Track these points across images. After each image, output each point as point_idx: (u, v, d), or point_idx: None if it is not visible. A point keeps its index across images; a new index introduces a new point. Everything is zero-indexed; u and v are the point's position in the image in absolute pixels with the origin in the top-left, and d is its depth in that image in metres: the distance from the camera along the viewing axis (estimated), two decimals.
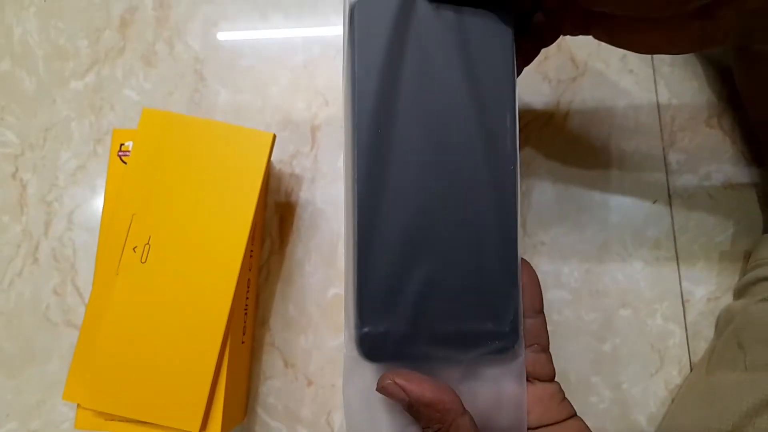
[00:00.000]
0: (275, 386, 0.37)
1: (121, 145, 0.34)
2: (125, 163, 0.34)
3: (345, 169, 0.22)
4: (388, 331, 0.21)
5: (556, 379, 0.25)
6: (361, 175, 0.21)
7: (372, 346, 0.22)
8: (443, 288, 0.22)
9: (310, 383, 0.37)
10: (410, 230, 0.21)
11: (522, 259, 0.23)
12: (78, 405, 0.32)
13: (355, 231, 0.21)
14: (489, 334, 0.22)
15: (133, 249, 0.32)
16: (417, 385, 0.20)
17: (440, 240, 0.21)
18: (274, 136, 0.32)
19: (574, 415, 0.23)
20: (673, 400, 0.35)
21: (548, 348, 0.24)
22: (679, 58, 0.38)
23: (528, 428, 0.23)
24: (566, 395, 0.25)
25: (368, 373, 0.22)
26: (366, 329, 0.21)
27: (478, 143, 0.22)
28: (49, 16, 0.41)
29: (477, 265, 0.22)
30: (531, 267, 0.23)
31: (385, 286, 0.21)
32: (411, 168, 0.21)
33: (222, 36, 0.40)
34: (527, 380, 0.23)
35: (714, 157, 0.37)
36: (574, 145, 0.38)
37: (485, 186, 0.22)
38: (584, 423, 0.24)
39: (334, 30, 0.40)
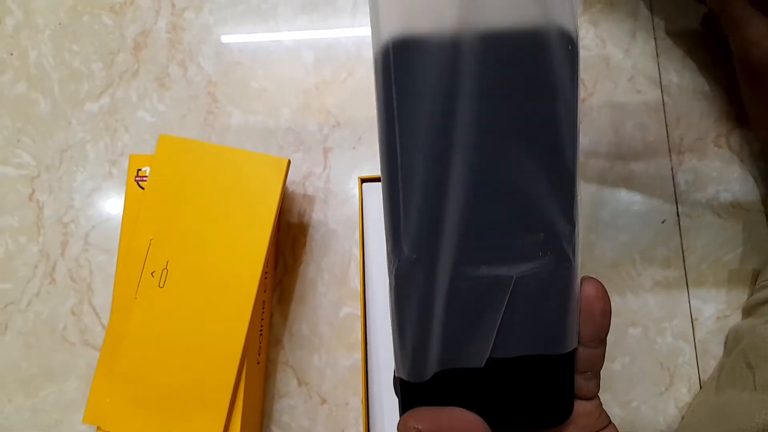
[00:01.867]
0: (289, 405, 0.37)
1: (138, 170, 0.35)
2: (142, 188, 0.34)
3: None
4: (430, 254, 0.19)
5: None
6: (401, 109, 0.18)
7: (413, 272, 0.19)
8: (491, 199, 0.19)
9: (323, 401, 0.37)
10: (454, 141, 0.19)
11: (597, 284, 0.21)
12: (98, 427, 0.33)
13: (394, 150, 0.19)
14: (541, 246, 0.20)
15: (151, 274, 0.32)
16: (443, 423, 0.20)
17: (489, 144, 0.19)
18: (289, 162, 0.33)
19: (609, 423, 0.24)
20: (682, 418, 0.35)
21: (600, 372, 0.23)
22: (687, 78, 0.39)
23: None
24: None
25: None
26: (406, 255, 0.19)
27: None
28: (63, 39, 0.42)
29: (530, 173, 0.19)
30: (606, 297, 0.22)
31: (426, 204, 0.19)
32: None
33: (234, 58, 0.41)
34: None
35: (722, 177, 0.38)
36: (583, 165, 0.38)
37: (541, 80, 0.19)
38: (617, 430, 0.24)
39: (345, 52, 0.41)
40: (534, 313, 0.20)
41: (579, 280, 0.21)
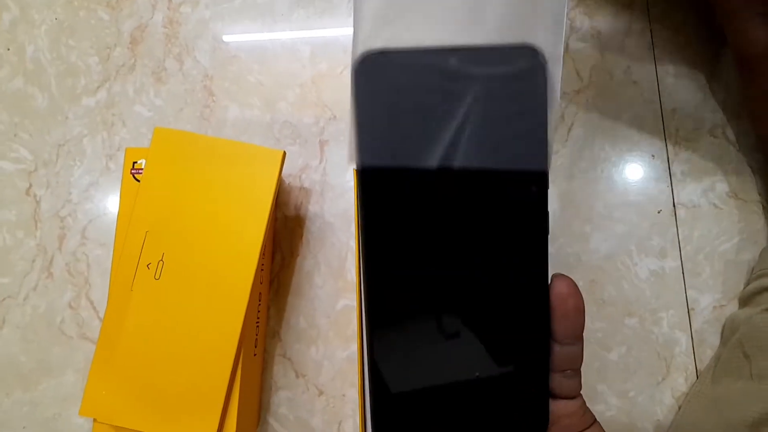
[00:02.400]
0: (287, 397, 0.37)
1: (134, 163, 0.35)
2: (138, 181, 0.34)
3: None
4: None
5: None
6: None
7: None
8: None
9: (320, 393, 0.37)
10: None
11: (568, 281, 0.22)
12: (94, 419, 0.33)
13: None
14: (516, 52, 0.20)
15: (147, 266, 0.32)
16: None
17: None
18: (284, 154, 0.33)
19: (593, 422, 0.24)
20: (679, 408, 0.35)
21: (580, 369, 0.23)
22: (683, 69, 0.39)
23: None
24: None
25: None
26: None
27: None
28: (60, 34, 0.42)
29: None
30: (578, 293, 0.22)
31: None
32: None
33: (230, 52, 0.41)
34: (553, 397, 0.23)
35: (719, 167, 0.38)
36: (579, 156, 0.38)
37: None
38: (602, 429, 0.24)
39: (341, 46, 0.41)
40: (500, 123, 0.20)
41: (557, 97, 0.20)
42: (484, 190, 0.20)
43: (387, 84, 0.20)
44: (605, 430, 0.24)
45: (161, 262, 0.32)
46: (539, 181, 0.20)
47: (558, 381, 0.22)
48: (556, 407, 0.23)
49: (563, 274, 0.22)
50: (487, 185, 0.20)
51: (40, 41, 0.42)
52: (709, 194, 0.37)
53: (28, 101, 0.41)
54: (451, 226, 0.20)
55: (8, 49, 0.42)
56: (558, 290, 0.21)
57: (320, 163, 0.39)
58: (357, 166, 0.20)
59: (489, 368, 0.21)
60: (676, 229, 0.37)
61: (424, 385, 0.21)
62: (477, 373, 0.21)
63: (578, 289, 0.22)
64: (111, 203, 0.40)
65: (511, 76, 0.19)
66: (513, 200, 0.20)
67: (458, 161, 0.20)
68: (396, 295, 0.21)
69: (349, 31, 0.41)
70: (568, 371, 0.22)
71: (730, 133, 0.38)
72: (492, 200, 0.20)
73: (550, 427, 0.22)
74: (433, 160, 0.20)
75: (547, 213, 0.20)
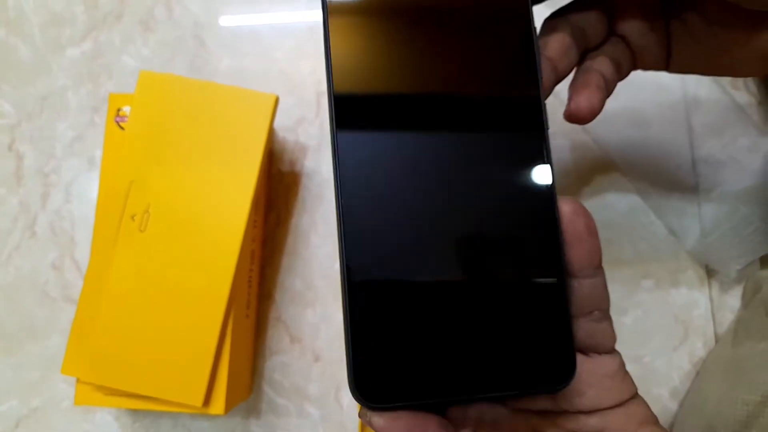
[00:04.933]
0: (281, 362, 0.36)
1: (118, 110, 0.33)
2: (122, 128, 0.32)
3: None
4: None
5: None
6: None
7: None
8: None
9: (317, 359, 0.35)
10: None
11: (573, 200, 0.19)
12: (77, 379, 0.31)
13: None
14: None
15: (132, 217, 0.30)
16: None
17: None
18: (277, 98, 0.31)
19: (635, 394, 0.19)
20: (697, 374, 0.34)
21: (609, 311, 0.19)
22: None
23: (582, 412, 0.19)
24: None
25: None
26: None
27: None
28: None
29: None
30: (586, 212, 0.19)
31: None
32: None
33: None
34: (585, 351, 0.19)
35: (740, 121, 0.35)
36: None
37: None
38: (646, 405, 0.19)
39: None
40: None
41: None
42: (474, 108, 0.19)
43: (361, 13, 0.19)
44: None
45: (147, 213, 0.30)
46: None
47: (587, 327, 0.19)
48: (593, 365, 0.19)
49: (565, 196, 0.19)
50: (477, 104, 0.19)
51: None
52: (730, 149, 0.35)
53: (11, 52, 0.39)
54: (437, 147, 0.19)
55: None
56: (563, 210, 0.18)
57: (317, 116, 0.37)
58: (330, 108, 0.19)
59: (493, 310, 0.18)
60: (696, 185, 0.35)
61: (414, 339, 0.18)
62: (480, 318, 0.18)
63: (585, 208, 0.19)
64: (96, 159, 0.38)
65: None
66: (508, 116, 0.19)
67: (442, 83, 0.19)
68: (378, 232, 0.18)
69: None
70: (595, 313, 0.19)
71: (752, 85, 0.36)
72: (483, 120, 0.19)
73: (588, 389, 0.19)
74: (413, 87, 0.19)
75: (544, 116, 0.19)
